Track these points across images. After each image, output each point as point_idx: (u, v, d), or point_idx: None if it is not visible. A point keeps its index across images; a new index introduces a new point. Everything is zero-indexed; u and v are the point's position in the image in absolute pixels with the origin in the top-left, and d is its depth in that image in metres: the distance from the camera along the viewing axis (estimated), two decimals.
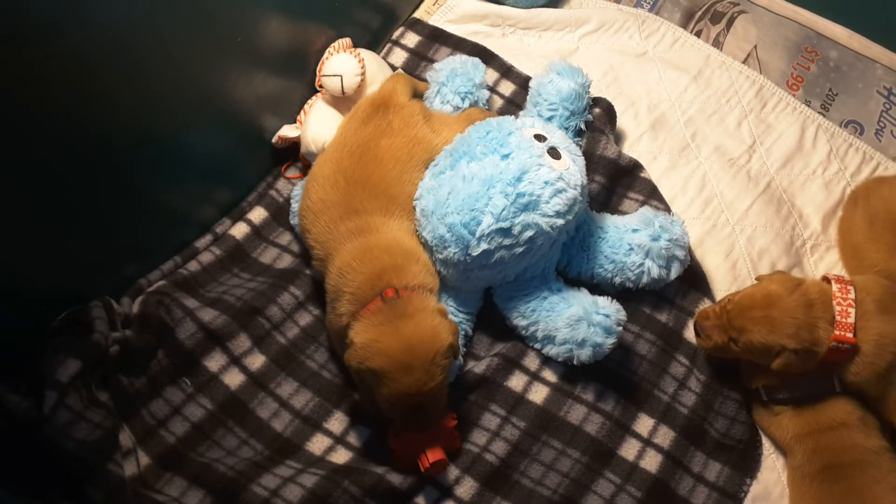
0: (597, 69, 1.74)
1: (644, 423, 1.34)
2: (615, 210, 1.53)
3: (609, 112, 1.63)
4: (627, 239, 1.37)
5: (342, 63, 1.52)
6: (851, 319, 1.25)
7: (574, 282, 1.39)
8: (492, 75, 1.69)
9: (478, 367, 1.35)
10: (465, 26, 1.81)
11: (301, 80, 1.58)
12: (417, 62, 1.71)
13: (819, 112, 1.77)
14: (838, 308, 1.26)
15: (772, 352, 1.26)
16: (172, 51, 1.26)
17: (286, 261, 1.49)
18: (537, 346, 1.36)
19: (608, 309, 1.27)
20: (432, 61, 1.68)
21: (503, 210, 1.24)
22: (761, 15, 1.89)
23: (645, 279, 1.38)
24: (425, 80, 1.59)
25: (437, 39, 1.74)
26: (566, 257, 1.39)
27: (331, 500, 1.18)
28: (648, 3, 1.94)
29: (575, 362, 1.30)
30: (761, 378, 1.33)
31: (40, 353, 1.22)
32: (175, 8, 1.22)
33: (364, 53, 1.57)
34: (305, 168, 1.57)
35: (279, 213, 1.54)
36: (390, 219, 1.29)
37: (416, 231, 1.33)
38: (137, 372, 1.30)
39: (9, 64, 1.02)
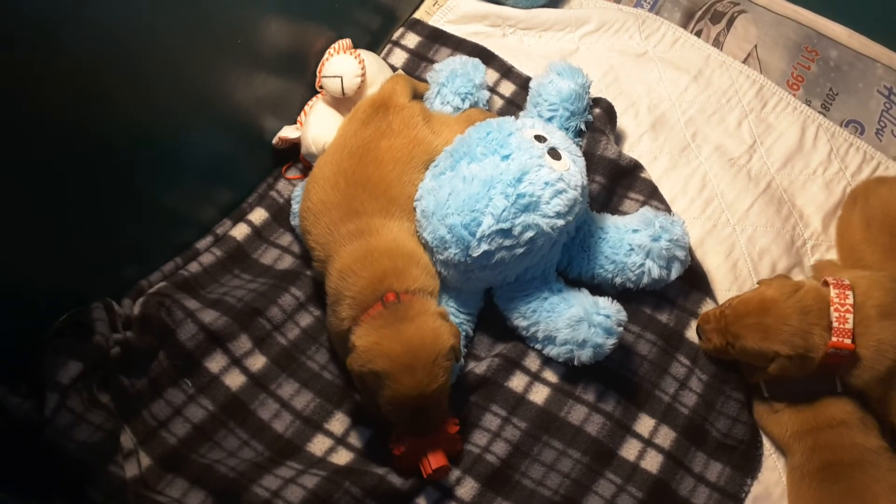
0: (597, 69, 1.74)
1: (645, 424, 1.34)
2: (615, 210, 1.53)
3: (609, 112, 1.63)
4: (628, 239, 1.37)
5: (342, 64, 1.52)
6: (849, 325, 1.24)
7: (575, 282, 1.39)
8: (492, 76, 1.69)
9: (478, 368, 1.35)
10: (465, 27, 1.81)
11: (301, 81, 1.58)
12: (417, 63, 1.71)
13: (819, 112, 1.77)
14: (836, 314, 1.25)
15: (766, 357, 1.27)
16: (172, 52, 1.26)
17: (287, 262, 1.49)
18: (538, 346, 1.36)
19: (609, 309, 1.27)
20: (432, 62, 1.68)
21: (503, 211, 1.24)
22: (761, 14, 1.89)
23: (645, 279, 1.38)
24: (425, 81, 1.59)
25: (437, 40, 1.74)
26: (567, 258, 1.39)
27: (332, 501, 1.18)
28: (648, 3, 1.94)
29: (576, 363, 1.30)
30: (761, 375, 1.33)
31: (41, 355, 1.22)
32: (175, 9, 1.22)
33: (364, 54, 1.57)
34: (306, 169, 1.57)
35: (280, 214, 1.54)
36: (390, 220, 1.29)
37: (417, 232, 1.33)
38: (138, 373, 1.30)
39: (9, 65, 1.02)
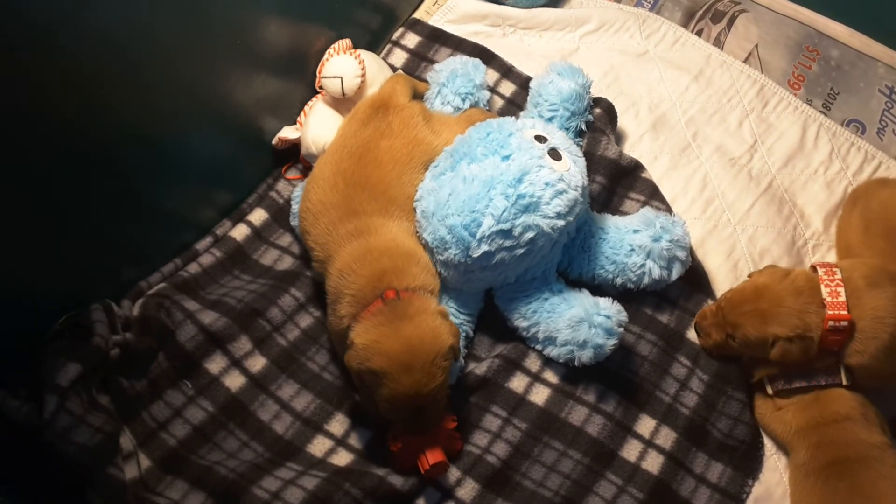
0: (597, 69, 1.73)
1: (645, 424, 1.34)
2: (616, 211, 1.53)
3: (610, 112, 1.62)
4: (628, 240, 1.37)
5: (342, 64, 1.51)
6: (843, 298, 1.26)
7: (575, 283, 1.39)
8: (492, 76, 1.69)
9: (479, 369, 1.34)
10: (465, 26, 1.80)
11: (301, 81, 1.58)
12: (418, 63, 1.71)
13: (820, 111, 1.76)
14: (827, 290, 1.27)
15: (767, 343, 1.27)
16: (172, 53, 1.26)
17: (287, 262, 1.49)
18: (538, 347, 1.35)
19: (609, 310, 1.27)
20: (432, 62, 1.68)
21: (504, 211, 1.24)
22: (762, 14, 1.88)
23: (646, 280, 1.38)
24: (425, 81, 1.59)
25: (438, 40, 1.74)
26: (567, 258, 1.39)
27: (332, 502, 1.18)
28: (649, 2, 1.93)
29: (576, 363, 1.30)
30: (764, 368, 1.33)
31: (40, 357, 1.21)
32: (174, 10, 1.22)
33: (364, 54, 1.56)
34: (306, 170, 1.57)
35: (279, 214, 1.54)
36: (390, 220, 1.28)
37: (417, 232, 1.32)
38: (138, 375, 1.30)
39: (8, 66, 1.02)
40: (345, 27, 1.61)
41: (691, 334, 1.42)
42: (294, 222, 1.47)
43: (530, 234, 1.25)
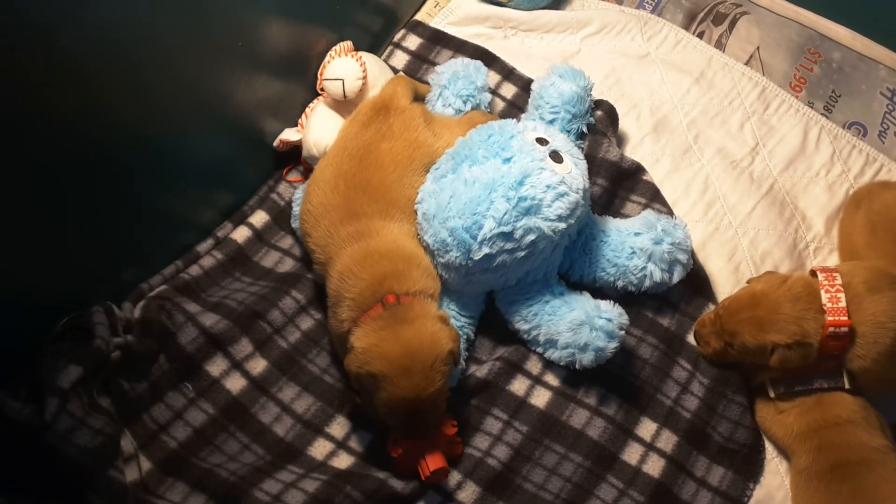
0: (599, 71, 1.73)
1: (647, 428, 1.33)
2: (617, 213, 1.53)
3: (611, 114, 1.62)
4: (630, 242, 1.37)
5: (344, 67, 1.51)
6: (843, 304, 1.25)
7: (576, 285, 1.38)
8: (493, 78, 1.69)
9: (480, 372, 1.34)
10: (466, 28, 1.80)
11: (302, 83, 1.58)
12: (419, 65, 1.71)
13: (822, 114, 1.76)
14: (827, 296, 1.26)
15: (766, 351, 1.27)
16: (173, 54, 1.26)
17: (288, 265, 1.49)
18: (539, 350, 1.35)
19: (610, 313, 1.27)
20: (434, 64, 1.68)
21: (505, 214, 1.23)
22: (764, 16, 1.88)
23: (647, 283, 1.37)
24: (427, 83, 1.59)
25: (439, 42, 1.74)
26: (568, 261, 1.39)
27: None
28: (650, 4, 1.93)
29: (577, 366, 1.30)
30: (765, 373, 1.33)
31: (41, 359, 1.21)
32: (175, 11, 1.22)
33: (365, 56, 1.56)
34: (307, 171, 1.56)
35: (280, 216, 1.54)
36: (390, 222, 1.28)
37: (418, 235, 1.32)
38: (139, 377, 1.30)
39: (8, 66, 1.02)
40: (346, 29, 1.61)
41: (692, 338, 1.42)
42: (295, 224, 1.47)
43: (531, 237, 1.25)
